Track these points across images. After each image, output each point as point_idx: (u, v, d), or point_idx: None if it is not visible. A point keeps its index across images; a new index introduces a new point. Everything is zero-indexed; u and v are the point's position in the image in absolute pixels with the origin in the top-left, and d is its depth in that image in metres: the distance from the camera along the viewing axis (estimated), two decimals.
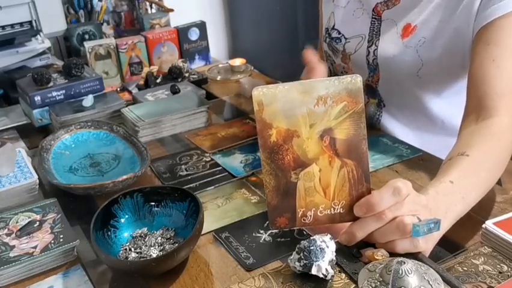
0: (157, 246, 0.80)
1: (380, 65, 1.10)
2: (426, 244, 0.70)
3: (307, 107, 0.69)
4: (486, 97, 0.89)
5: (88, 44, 1.56)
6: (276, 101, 0.69)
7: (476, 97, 0.91)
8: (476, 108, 0.90)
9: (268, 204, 0.72)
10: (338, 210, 0.72)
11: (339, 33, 1.17)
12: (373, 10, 1.11)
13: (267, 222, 0.76)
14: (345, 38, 1.16)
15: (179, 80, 1.49)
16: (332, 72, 1.24)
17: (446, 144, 0.91)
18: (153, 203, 0.85)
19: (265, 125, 0.69)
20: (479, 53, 0.92)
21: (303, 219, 0.72)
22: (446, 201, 0.74)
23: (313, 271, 0.66)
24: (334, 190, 0.71)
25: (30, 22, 1.52)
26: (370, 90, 1.16)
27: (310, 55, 1.11)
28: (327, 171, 0.71)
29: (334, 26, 1.18)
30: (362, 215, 0.70)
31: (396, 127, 1.16)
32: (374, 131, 1.16)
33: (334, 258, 0.68)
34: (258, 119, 0.69)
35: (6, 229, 0.86)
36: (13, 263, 0.78)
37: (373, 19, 1.11)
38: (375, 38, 1.10)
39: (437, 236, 0.71)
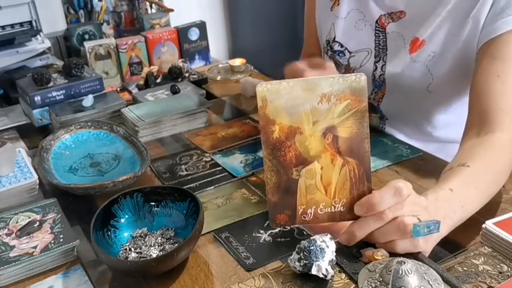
0: (157, 246, 0.80)
1: (387, 81, 1.08)
2: (426, 244, 0.70)
3: (310, 104, 0.69)
4: (490, 112, 0.88)
5: (88, 44, 1.56)
6: (280, 98, 0.69)
7: (479, 111, 0.90)
8: (479, 122, 0.89)
9: (268, 201, 0.72)
10: (339, 209, 0.72)
11: (342, 46, 1.13)
12: (376, 22, 1.07)
13: (267, 222, 0.76)
14: (350, 52, 1.12)
15: (179, 80, 1.49)
16: None
17: (450, 152, 0.91)
18: (153, 203, 0.85)
19: (269, 121, 0.69)
20: (484, 67, 0.91)
21: (304, 217, 0.72)
22: (445, 207, 0.74)
23: (314, 271, 0.66)
24: (335, 188, 0.71)
25: (30, 22, 1.52)
26: (371, 107, 1.11)
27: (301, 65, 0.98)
28: (328, 169, 0.71)
29: (335, 38, 1.14)
30: (363, 214, 0.70)
31: (399, 138, 1.14)
32: (375, 131, 1.15)
33: (334, 258, 0.68)
34: (261, 115, 0.69)
35: (6, 229, 0.86)
36: (13, 263, 0.78)
37: (377, 32, 1.07)
38: (382, 53, 1.07)
39: (437, 236, 0.71)
